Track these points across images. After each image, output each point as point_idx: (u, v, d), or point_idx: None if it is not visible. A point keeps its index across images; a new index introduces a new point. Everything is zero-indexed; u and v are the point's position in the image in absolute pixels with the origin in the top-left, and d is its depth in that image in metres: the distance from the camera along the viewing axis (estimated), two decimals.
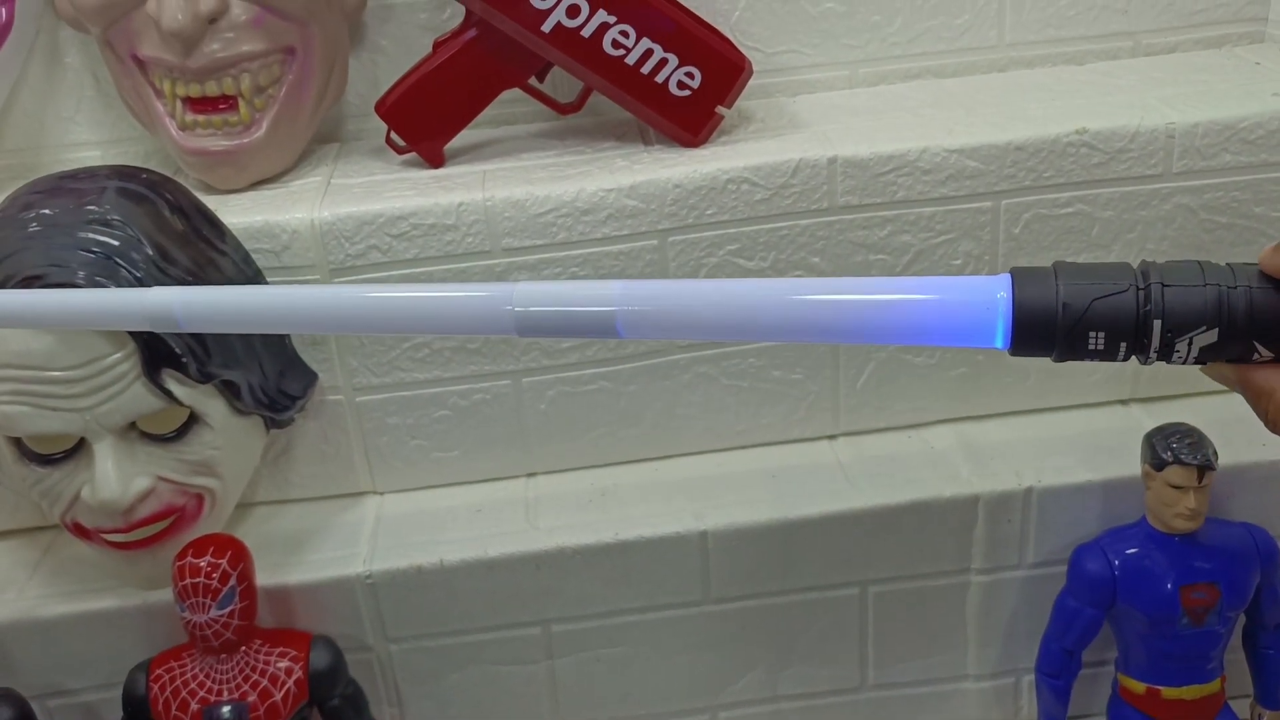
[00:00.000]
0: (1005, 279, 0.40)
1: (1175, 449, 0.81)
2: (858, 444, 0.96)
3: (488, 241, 0.86)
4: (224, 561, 0.79)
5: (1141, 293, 0.39)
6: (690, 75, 0.87)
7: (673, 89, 0.87)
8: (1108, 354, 0.40)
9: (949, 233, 0.89)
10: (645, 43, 0.86)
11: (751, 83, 0.91)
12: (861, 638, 0.94)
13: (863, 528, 0.89)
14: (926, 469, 0.92)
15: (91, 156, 0.99)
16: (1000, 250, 0.89)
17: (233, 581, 0.79)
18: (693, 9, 0.93)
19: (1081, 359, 0.40)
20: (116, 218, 0.78)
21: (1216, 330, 0.39)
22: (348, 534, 0.90)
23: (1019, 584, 0.91)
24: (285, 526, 0.92)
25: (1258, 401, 0.40)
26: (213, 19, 0.85)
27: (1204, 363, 0.41)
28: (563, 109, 0.93)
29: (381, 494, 0.95)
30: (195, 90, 0.88)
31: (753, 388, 0.93)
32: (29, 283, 0.75)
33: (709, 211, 0.87)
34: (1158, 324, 0.39)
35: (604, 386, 0.91)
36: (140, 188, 0.82)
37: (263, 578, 0.84)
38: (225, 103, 0.88)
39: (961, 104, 0.93)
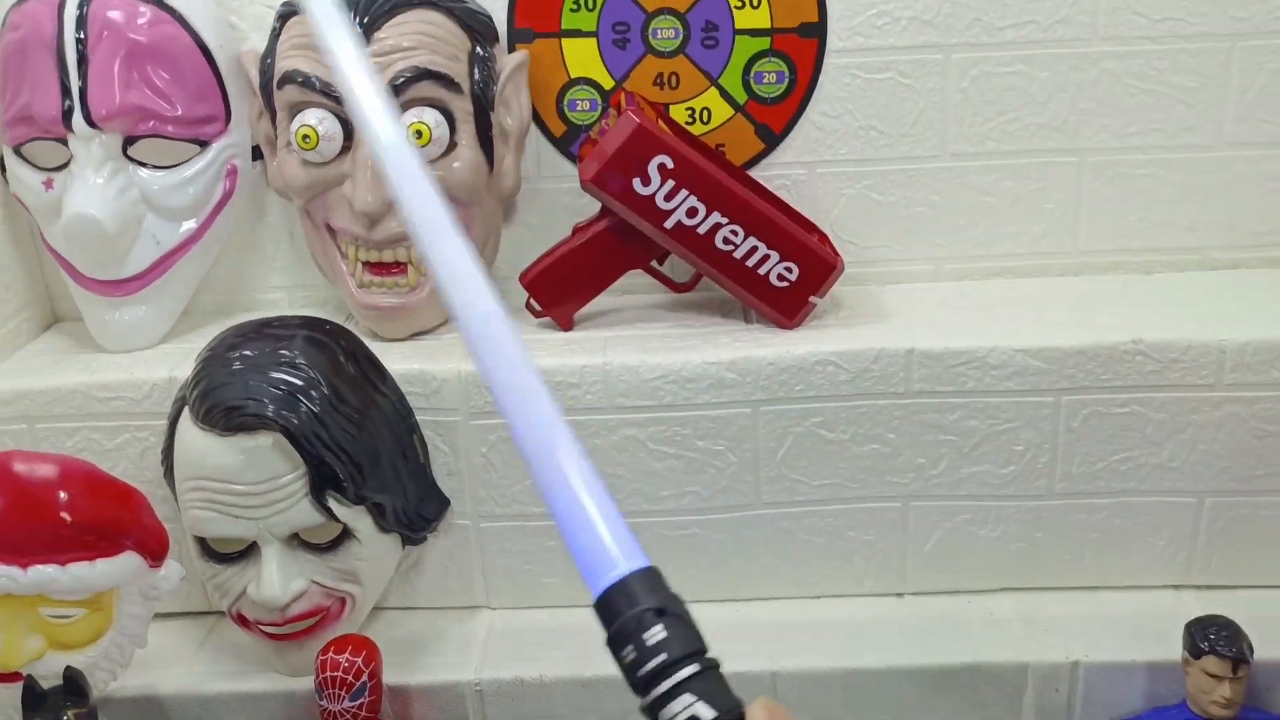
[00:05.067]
0: (644, 564, 0.43)
1: (1212, 640, 0.88)
2: (922, 604, 1.05)
3: (604, 400, 1.00)
4: (359, 660, 0.93)
5: (672, 667, 0.41)
6: (789, 269, 1.01)
7: (773, 280, 1.01)
8: (631, 669, 0.42)
9: (1013, 421, 0.99)
10: (752, 240, 1.00)
11: (845, 271, 1.04)
12: None
13: (920, 682, 0.98)
14: (984, 633, 1.00)
15: (280, 298, 1.18)
16: (1060, 441, 0.99)
17: (365, 678, 0.93)
18: (798, 206, 1.08)
19: (624, 647, 0.42)
20: (302, 361, 0.95)
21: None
22: (463, 643, 1.03)
23: None
24: (409, 631, 1.05)
25: None
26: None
27: None
28: (677, 288, 1.08)
29: (494, 609, 1.08)
30: (374, 256, 1.05)
31: (828, 545, 1.04)
32: (229, 412, 0.92)
33: (798, 387, 0.99)
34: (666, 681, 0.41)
35: (695, 533, 1.03)
36: (323, 336, 0.98)
37: (388, 676, 0.97)
38: (397, 268, 1.06)
39: (1033, 305, 1.05)
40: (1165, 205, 1.09)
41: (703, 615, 1.11)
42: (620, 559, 0.43)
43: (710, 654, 0.43)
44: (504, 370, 0.47)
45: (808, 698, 0.98)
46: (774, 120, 1.09)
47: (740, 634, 1.02)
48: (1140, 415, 0.98)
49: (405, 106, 1.00)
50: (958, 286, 1.11)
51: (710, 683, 0.42)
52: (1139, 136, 1.08)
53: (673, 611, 0.42)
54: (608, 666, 1.02)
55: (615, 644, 0.43)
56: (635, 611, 0.42)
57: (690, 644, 0.42)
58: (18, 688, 0.86)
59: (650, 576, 0.43)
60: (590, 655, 1.00)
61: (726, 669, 1.08)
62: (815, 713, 0.98)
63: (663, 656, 0.41)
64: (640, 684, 0.42)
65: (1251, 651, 0.88)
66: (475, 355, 0.47)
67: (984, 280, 1.12)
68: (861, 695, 0.98)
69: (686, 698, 0.41)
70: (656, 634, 0.42)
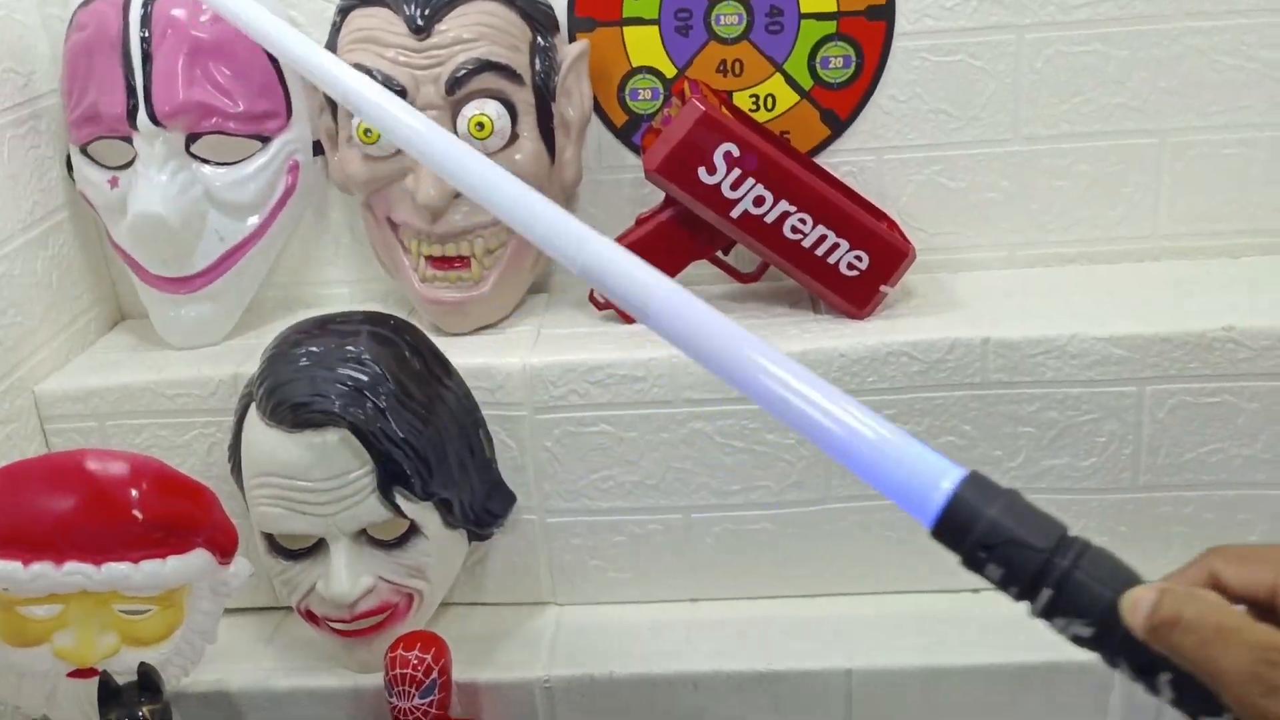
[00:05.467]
0: (962, 474, 0.43)
1: None
2: (1002, 599, 1.00)
3: (671, 393, 0.98)
4: (429, 656, 0.92)
5: (1051, 562, 0.41)
6: (859, 258, 0.98)
7: (843, 269, 0.99)
8: (1001, 586, 0.43)
9: (1094, 412, 0.95)
10: (820, 229, 0.97)
11: (916, 259, 1.01)
12: None
13: (1001, 680, 0.95)
14: None
15: (342, 293, 1.17)
16: (1145, 432, 0.95)
17: (435, 675, 0.92)
18: (865, 193, 1.05)
19: (981, 576, 0.43)
20: (368, 357, 0.94)
21: (1093, 630, 0.42)
22: (530, 640, 1.02)
23: None
24: (476, 627, 1.04)
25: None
26: (457, 194, 1.01)
27: (1078, 644, 0.43)
28: (743, 278, 1.06)
29: (561, 605, 1.07)
30: (436, 250, 1.04)
31: (903, 539, 1.01)
32: (296, 409, 0.92)
33: (870, 379, 0.97)
34: (1047, 593, 0.42)
35: (766, 528, 1.01)
36: (388, 332, 0.98)
37: (456, 673, 0.96)
38: (460, 262, 1.05)
39: (1113, 291, 1.01)
40: (1255, 186, 1.05)
41: (776, 612, 1.08)
42: (936, 479, 0.43)
43: (1068, 534, 0.42)
44: (714, 343, 0.46)
45: (884, 699, 0.96)
46: (840, 106, 1.07)
47: (814, 630, 0.99)
48: (1232, 405, 0.94)
49: (467, 99, 0.99)
50: (1032, 273, 1.08)
51: (1078, 584, 0.41)
52: (1225, 115, 1.03)
53: (1010, 516, 0.42)
54: (678, 663, 1.00)
55: (973, 567, 0.43)
56: (974, 533, 0.42)
57: (1043, 537, 0.42)
58: (93, 683, 0.86)
59: (974, 483, 0.43)
60: (661, 652, 0.99)
61: (798, 666, 1.05)
62: (892, 711, 0.96)
63: (1022, 569, 0.41)
64: (1016, 596, 0.43)
65: None
66: (676, 341, 0.47)
67: (1059, 266, 1.09)
68: (940, 696, 0.95)
69: (1060, 621, 0.42)
70: (1006, 550, 0.42)
